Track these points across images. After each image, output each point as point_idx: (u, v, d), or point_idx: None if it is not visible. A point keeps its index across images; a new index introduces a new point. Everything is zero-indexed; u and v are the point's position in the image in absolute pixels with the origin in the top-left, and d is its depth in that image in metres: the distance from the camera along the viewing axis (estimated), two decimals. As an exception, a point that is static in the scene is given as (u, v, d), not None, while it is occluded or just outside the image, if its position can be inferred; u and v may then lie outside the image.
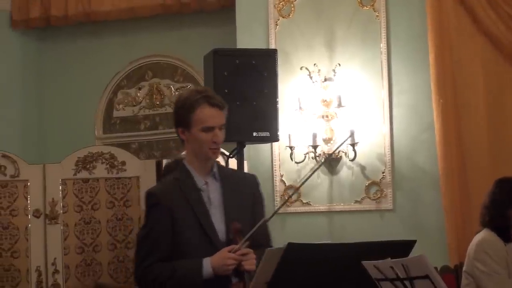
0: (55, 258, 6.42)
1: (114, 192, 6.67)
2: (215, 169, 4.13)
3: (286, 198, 6.92)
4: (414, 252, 3.78)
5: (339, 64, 6.96)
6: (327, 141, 6.93)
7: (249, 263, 3.95)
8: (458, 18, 6.73)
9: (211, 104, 3.99)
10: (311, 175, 5.26)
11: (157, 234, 4.07)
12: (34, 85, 8.63)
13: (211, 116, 3.97)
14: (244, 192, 4.21)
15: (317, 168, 6.31)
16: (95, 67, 8.47)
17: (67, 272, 6.48)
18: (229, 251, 3.94)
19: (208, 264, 3.97)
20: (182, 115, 4.04)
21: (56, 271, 6.46)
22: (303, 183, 5.96)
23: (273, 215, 4.00)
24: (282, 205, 6.50)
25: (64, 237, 6.48)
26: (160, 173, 6.02)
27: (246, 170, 5.86)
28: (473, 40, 6.73)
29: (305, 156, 6.96)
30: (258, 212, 4.17)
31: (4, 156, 6.57)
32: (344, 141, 6.56)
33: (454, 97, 6.74)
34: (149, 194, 4.17)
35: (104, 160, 6.64)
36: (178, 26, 8.19)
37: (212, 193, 4.10)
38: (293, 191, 6.81)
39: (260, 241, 4.07)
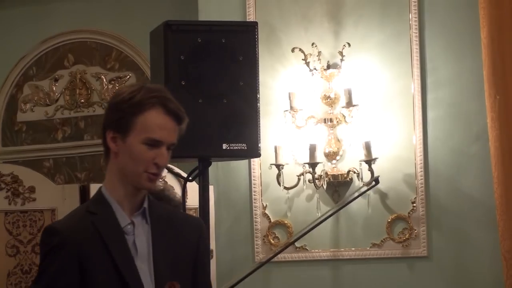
0: None
1: (19, 232, 5.84)
2: (145, 205, 3.35)
3: (283, 244, 6.14)
4: None
5: (349, 44, 5.98)
6: (331, 156, 5.97)
7: None
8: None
9: (167, 111, 3.18)
10: (326, 218, 5.25)
11: None
12: None
13: (162, 126, 3.18)
14: (184, 242, 3.43)
15: (338, 210, 5.86)
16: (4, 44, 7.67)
17: None
18: None
19: None
20: (121, 114, 3.17)
21: None
22: (312, 229, 5.61)
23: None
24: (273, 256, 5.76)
25: None
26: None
27: (212, 198, 5.08)
28: None
29: (298, 179, 5.93)
30: (200, 270, 3.35)
31: None
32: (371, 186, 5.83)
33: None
34: (49, 232, 3.33)
35: (3, 186, 5.85)
36: None
37: (139, 239, 3.34)
38: (296, 237, 5.90)
39: None
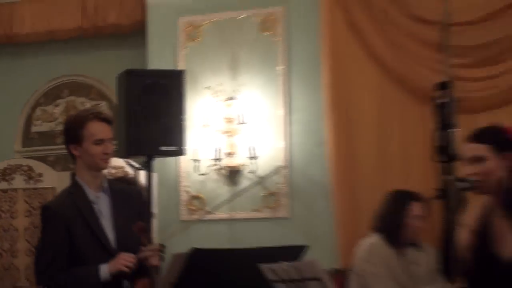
0: None
1: (32, 201, 7.20)
2: (105, 184, 4.62)
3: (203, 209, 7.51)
4: (309, 256, 4.65)
5: (242, 85, 7.50)
6: (229, 155, 7.43)
7: (154, 259, 4.41)
8: (349, 43, 7.19)
9: (100, 119, 4.57)
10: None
11: (55, 245, 4.45)
12: None
13: (101, 130, 4.53)
14: (131, 205, 4.69)
15: (250, 188, 7.28)
16: (16, 85, 8.75)
17: None
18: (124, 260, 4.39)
19: (105, 269, 4.36)
20: (73, 132, 4.54)
21: None
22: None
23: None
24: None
25: None
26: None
27: (155, 181, 5.97)
28: (362, 64, 7.19)
29: (209, 169, 7.49)
30: (145, 219, 4.64)
31: None
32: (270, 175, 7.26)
33: (346, 115, 7.20)
34: (45, 208, 4.61)
35: (22, 172, 7.26)
36: (94, 49, 8.49)
37: (103, 206, 4.57)
38: (221, 204, 7.37)
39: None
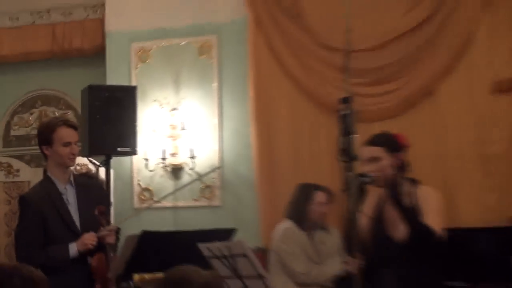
0: None
1: (10, 192, 7.21)
2: (71, 178, 4.65)
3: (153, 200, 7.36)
4: (237, 237, 4.77)
5: (183, 98, 7.43)
6: (173, 155, 7.35)
7: (110, 238, 4.52)
8: (270, 65, 7.10)
9: (68, 125, 4.58)
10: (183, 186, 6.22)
11: (32, 229, 4.47)
12: None
13: (68, 134, 4.54)
14: (92, 195, 4.75)
15: (191, 183, 7.11)
16: None
17: None
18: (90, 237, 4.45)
19: (73, 247, 4.43)
20: (45, 135, 4.56)
21: None
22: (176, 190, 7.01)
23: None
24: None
25: None
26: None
27: (112, 176, 5.95)
28: (280, 82, 7.11)
29: (156, 166, 7.39)
30: (104, 205, 4.74)
31: None
32: (210, 172, 7.18)
33: (267, 123, 7.13)
34: (22, 198, 4.63)
35: (2, 168, 7.24)
36: (62, 68, 8.30)
37: (70, 196, 4.62)
38: (166, 195, 7.11)
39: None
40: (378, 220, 4.32)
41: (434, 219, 4.19)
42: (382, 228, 4.28)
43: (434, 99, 6.82)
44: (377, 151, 4.27)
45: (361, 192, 4.12)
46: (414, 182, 4.35)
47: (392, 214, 4.19)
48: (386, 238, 4.24)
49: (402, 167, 4.33)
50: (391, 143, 4.32)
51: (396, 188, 4.22)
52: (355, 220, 4.03)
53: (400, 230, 4.17)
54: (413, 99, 6.85)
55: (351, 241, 4.15)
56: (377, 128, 6.33)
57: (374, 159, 4.24)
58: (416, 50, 6.77)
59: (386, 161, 4.25)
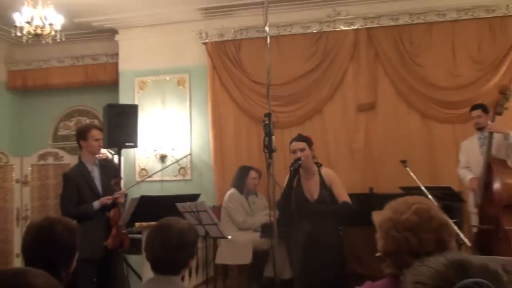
0: (26, 203, 6.77)
1: (57, 170, 6.93)
2: (97, 162, 4.62)
3: (145, 176, 7.08)
4: (200, 199, 4.84)
5: (168, 112, 7.13)
6: (160, 148, 7.14)
7: (121, 198, 4.58)
8: (221, 93, 7.01)
9: (97, 128, 4.65)
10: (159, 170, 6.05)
11: (71, 194, 4.44)
12: (18, 120, 8.36)
13: (97, 133, 4.58)
14: (109, 172, 4.69)
15: (171, 164, 6.84)
16: (51, 109, 8.33)
17: (32, 211, 6.74)
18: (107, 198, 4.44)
19: (96, 203, 4.45)
20: (83, 134, 4.56)
21: (27, 210, 6.74)
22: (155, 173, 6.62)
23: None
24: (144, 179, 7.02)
25: (31, 192, 6.82)
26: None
27: (122, 161, 5.68)
28: (227, 104, 7.03)
29: (150, 155, 7.21)
30: (117, 179, 4.66)
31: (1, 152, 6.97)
32: (182, 157, 6.86)
33: (219, 129, 7.02)
34: (65, 175, 4.60)
35: (52, 155, 7.02)
36: (91, 92, 8.11)
37: (95, 174, 4.57)
38: (156, 172, 6.73)
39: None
40: (301, 188, 4.32)
41: (343, 191, 4.29)
42: (302, 192, 4.32)
43: (321, 115, 6.85)
44: (303, 144, 4.30)
45: (297, 170, 4.23)
46: (319, 164, 4.42)
47: (309, 184, 4.26)
48: (305, 199, 4.29)
49: (313, 156, 4.40)
50: (309, 141, 4.37)
51: (295, 167, 4.24)
52: (290, 190, 4.18)
53: (314, 195, 4.24)
54: (309, 115, 6.86)
55: (286, 202, 4.21)
56: (287, 132, 6.71)
57: (302, 150, 4.28)
58: (311, 84, 6.81)
59: (308, 151, 4.30)
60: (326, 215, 4.17)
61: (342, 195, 4.21)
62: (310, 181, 4.26)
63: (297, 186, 4.24)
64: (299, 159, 4.17)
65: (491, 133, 4.98)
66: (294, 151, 4.24)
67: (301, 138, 4.35)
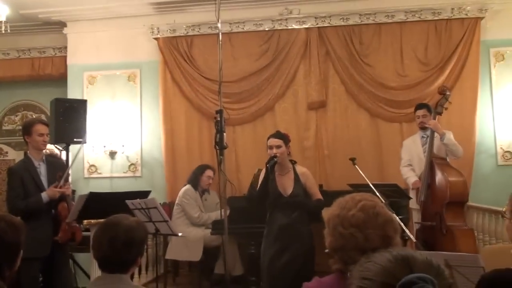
0: None
1: (1, 167, 7.05)
2: (43, 158, 4.51)
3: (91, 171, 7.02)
4: (151, 196, 4.68)
5: (118, 108, 7.15)
6: (110, 144, 7.06)
7: (68, 190, 4.50)
8: (172, 88, 6.95)
9: (42, 123, 4.53)
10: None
11: (15, 187, 4.34)
12: None
13: (42, 128, 4.46)
14: (57, 168, 4.59)
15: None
16: None
17: None
18: (54, 187, 4.36)
19: (44, 194, 4.33)
20: (27, 129, 4.46)
21: None
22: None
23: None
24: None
25: None
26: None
27: (70, 158, 5.56)
28: (179, 99, 6.97)
29: (100, 151, 7.11)
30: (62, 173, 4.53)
31: None
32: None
33: (171, 125, 6.93)
34: (10, 169, 4.50)
35: None
36: (38, 86, 7.96)
37: (42, 169, 4.48)
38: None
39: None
40: (275, 183, 4.38)
41: (317, 190, 4.39)
42: (276, 187, 4.37)
43: (272, 112, 6.89)
44: (279, 141, 4.33)
45: (273, 167, 4.27)
46: (294, 162, 4.48)
47: (284, 180, 4.30)
48: (278, 194, 4.35)
49: (289, 153, 4.44)
50: (285, 138, 4.39)
51: (271, 163, 4.30)
52: (266, 184, 4.28)
53: (288, 191, 4.31)
54: (260, 112, 6.89)
55: (263, 195, 4.32)
56: (238, 129, 6.79)
57: (278, 147, 4.30)
58: (262, 82, 6.85)
59: (284, 148, 4.33)
60: (298, 209, 4.26)
61: (316, 194, 4.32)
62: (284, 177, 4.34)
63: (271, 181, 4.30)
64: (275, 156, 4.23)
65: (432, 132, 5.10)
66: (271, 147, 4.30)
67: (278, 135, 4.40)
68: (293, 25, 6.74)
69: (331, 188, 6.15)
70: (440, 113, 5.22)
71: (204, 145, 6.88)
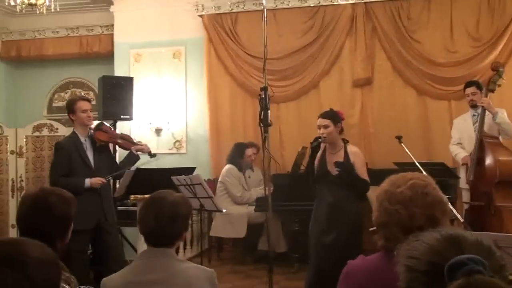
0: (21, 174, 6.66)
1: (52, 142, 6.58)
2: (89, 134, 4.57)
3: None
4: (196, 172, 4.88)
5: (163, 85, 7.10)
6: (156, 120, 7.10)
7: (146, 148, 4.83)
8: (217, 66, 6.98)
9: (83, 99, 4.59)
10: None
11: (62, 163, 4.41)
12: (12, 91, 8.33)
13: (84, 105, 4.50)
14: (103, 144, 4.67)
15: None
16: (46, 81, 8.29)
17: (26, 182, 6.67)
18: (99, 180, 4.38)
19: (87, 182, 4.39)
20: (70, 107, 4.53)
21: (21, 181, 6.65)
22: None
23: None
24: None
25: (26, 164, 6.71)
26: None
27: (117, 129, 5.79)
28: (223, 76, 7.01)
29: (146, 127, 7.18)
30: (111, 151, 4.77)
31: (-5, 124, 6.65)
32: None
33: (215, 103, 6.99)
34: (57, 143, 4.63)
35: (47, 127, 6.92)
36: (86, 64, 8.01)
37: (87, 145, 4.55)
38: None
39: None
40: (324, 161, 4.38)
41: (364, 170, 4.29)
42: (325, 165, 4.36)
43: (317, 90, 6.84)
44: (327, 121, 4.27)
45: (315, 148, 4.26)
46: (346, 141, 4.40)
47: (334, 158, 4.29)
48: (327, 172, 4.34)
49: (341, 131, 4.36)
50: (335, 117, 4.32)
51: (316, 144, 4.32)
52: (312, 163, 4.30)
53: (333, 169, 4.27)
54: (305, 89, 6.86)
55: (310, 173, 4.32)
56: (283, 107, 6.81)
57: (325, 127, 4.25)
58: (307, 59, 6.80)
59: (332, 128, 4.27)
60: (346, 187, 4.23)
61: (363, 174, 4.24)
62: (335, 156, 4.30)
63: (321, 159, 4.32)
64: (319, 137, 4.23)
65: (484, 110, 4.99)
66: (319, 127, 4.29)
67: (325, 114, 4.34)
68: (339, 1, 6.65)
69: (375, 166, 6.06)
70: (492, 90, 5.06)
71: (248, 122, 6.91)
